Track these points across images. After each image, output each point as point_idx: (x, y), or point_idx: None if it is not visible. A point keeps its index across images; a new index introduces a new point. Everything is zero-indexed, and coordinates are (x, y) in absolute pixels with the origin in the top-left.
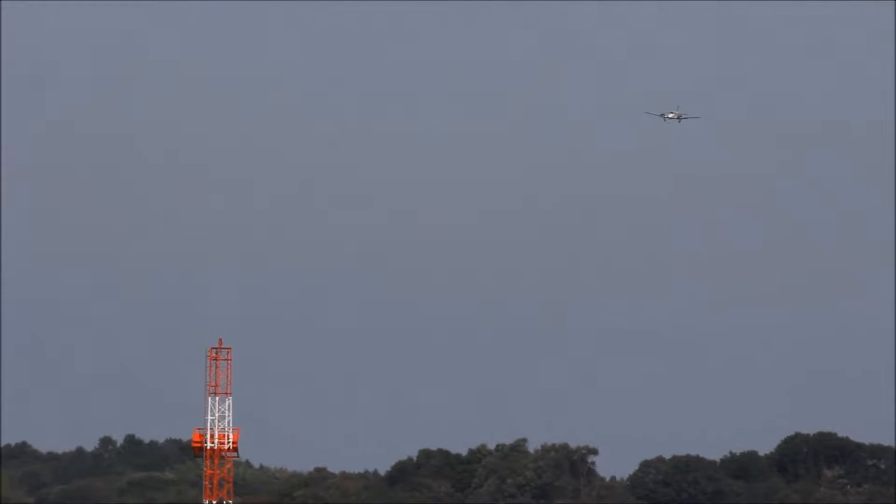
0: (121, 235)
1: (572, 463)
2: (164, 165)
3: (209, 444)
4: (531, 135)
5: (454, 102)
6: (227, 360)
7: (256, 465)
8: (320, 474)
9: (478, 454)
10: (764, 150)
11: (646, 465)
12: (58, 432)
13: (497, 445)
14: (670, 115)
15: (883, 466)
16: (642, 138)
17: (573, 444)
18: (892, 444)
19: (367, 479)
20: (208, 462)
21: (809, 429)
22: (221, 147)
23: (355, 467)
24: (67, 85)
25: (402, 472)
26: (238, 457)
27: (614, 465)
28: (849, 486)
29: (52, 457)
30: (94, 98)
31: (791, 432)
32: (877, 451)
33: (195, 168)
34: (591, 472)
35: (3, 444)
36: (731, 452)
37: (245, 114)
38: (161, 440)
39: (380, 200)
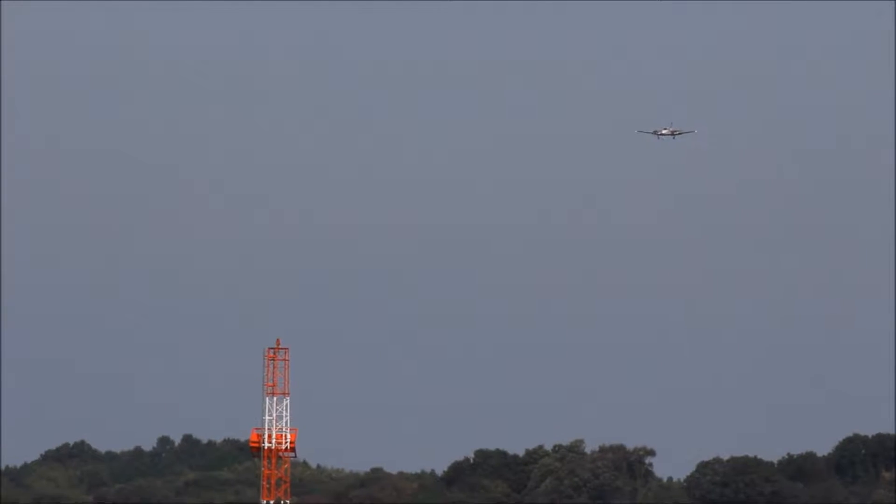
0: (176, 236)
1: (629, 464)
2: (193, 166)
3: (267, 444)
4: (533, 137)
5: (457, 103)
6: (284, 360)
7: (313, 466)
8: (377, 474)
9: (535, 455)
10: (765, 158)
11: (703, 467)
12: (116, 432)
13: (554, 446)
14: (664, 132)
15: None
16: (639, 153)
17: (630, 446)
18: None
19: (423, 480)
20: (266, 462)
21: (867, 430)
22: (267, 153)
23: (412, 467)
24: (67, 85)
25: (459, 473)
26: (295, 457)
27: (671, 466)
28: None
29: (110, 456)
30: (94, 98)
31: (849, 433)
32: None
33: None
34: (648, 473)
35: (62, 444)
36: (788, 454)
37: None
38: (219, 440)
39: (426, 200)
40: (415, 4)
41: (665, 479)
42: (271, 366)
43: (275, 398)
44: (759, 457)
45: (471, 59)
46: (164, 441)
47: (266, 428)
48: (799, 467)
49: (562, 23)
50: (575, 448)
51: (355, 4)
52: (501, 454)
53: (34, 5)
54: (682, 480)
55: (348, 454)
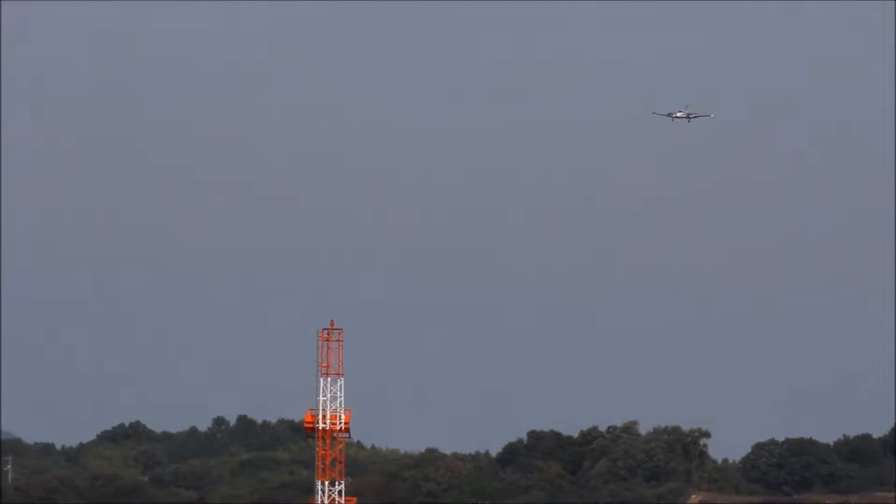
0: (234, 223)
1: (684, 445)
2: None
3: (321, 425)
4: (537, 135)
5: (461, 101)
6: (338, 341)
7: (368, 446)
8: (431, 455)
9: (589, 436)
10: (766, 152)
11: (759, 448)
12: (172, 412)
13: (608, 427)
14: (679, 115)
15: None
16: (644, 141)
17: (686, 427)
18: None
19: (477, 461)
20: (320, 442)
21: None
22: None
23: (466, 448)
24: (67, 84)
25: (514, 454)
26: (350, 437)
27: (727, 447)
28: None
29: (165, 436)
30: (94, 97)
31: None
32: None
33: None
34: (703, 455)
35: (117, 424)
36: (844, 435)
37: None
38: (273, 420)
39: (473, 186)
40: (420, 4)
41: (720, 461)
42: (325, 347)
43: (329, 379)
44: (814, 438)
45: (481, 57)
46: (220, 421)
47: (320, 408)
48: (855, 449)
49: (564, 25)
50: (629, 429)
51: (357, 4)
52: (556, 435)
53: (34, 5)
54: (737, 462)
55: (403, 435)
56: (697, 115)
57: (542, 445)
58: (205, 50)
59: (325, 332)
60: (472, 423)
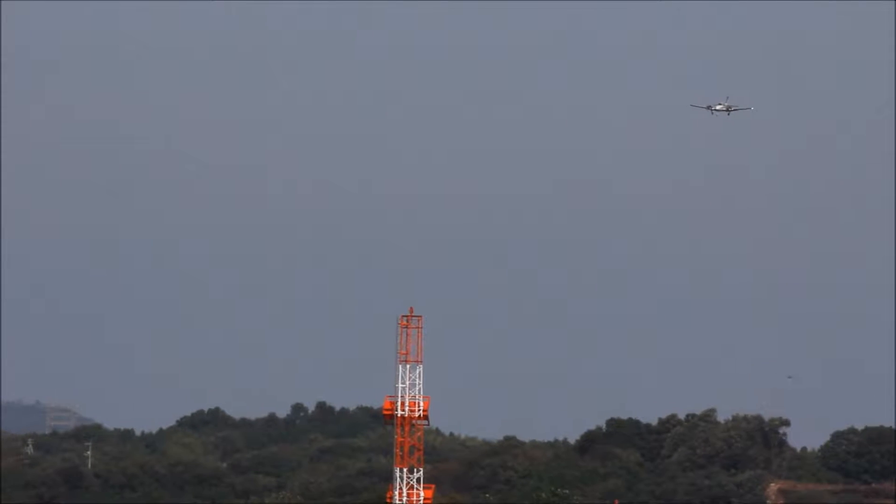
0: (318, 208)
1: (764, 434)
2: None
3: (400, 412)
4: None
5: (471, 89)
6: (417, 328)
7: (446, 434)
8: (509, 443)
9: (667, 424)
10: (768, 144)
11: (838, 437)
12: (251, 399)
13: (687, 415)
14: (718, 107)
15: None
16: (651, 135)
17: (766, 416)
18: None
19: (556, 448)
20: (399, 430)
21: None
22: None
23: (544, 436)
24: (69, 76)
25: (592, 442)
26: (428, 424)
27: (806, 436)
28: None
29: (244, 423)
30: (95, 88)
31: None
32: None
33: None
34: (782, 443)
35: (196, 410)
36: None
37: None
38: (352, 408)
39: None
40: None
41: (799, 449)
42: (404, 334)
43: (408, 366)
44: (894, 426)
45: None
46: (298, 408)
47: (399, 396)
48: None
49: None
50: (707, 417)
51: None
52: (634, 423)
53: (34, 4)
54: (816, 450)
55: (481, 422)
56: (737, 108)
57: (621, 433)
58: (204, 43)
59: (405, 319)
60: (551, 411)
